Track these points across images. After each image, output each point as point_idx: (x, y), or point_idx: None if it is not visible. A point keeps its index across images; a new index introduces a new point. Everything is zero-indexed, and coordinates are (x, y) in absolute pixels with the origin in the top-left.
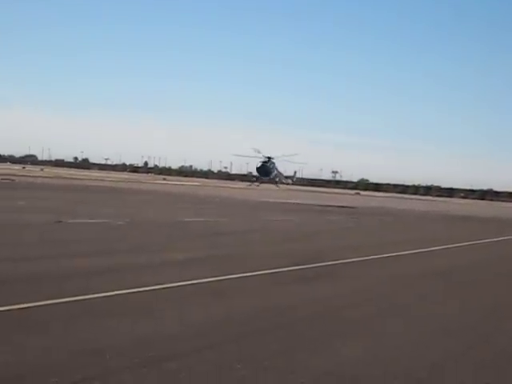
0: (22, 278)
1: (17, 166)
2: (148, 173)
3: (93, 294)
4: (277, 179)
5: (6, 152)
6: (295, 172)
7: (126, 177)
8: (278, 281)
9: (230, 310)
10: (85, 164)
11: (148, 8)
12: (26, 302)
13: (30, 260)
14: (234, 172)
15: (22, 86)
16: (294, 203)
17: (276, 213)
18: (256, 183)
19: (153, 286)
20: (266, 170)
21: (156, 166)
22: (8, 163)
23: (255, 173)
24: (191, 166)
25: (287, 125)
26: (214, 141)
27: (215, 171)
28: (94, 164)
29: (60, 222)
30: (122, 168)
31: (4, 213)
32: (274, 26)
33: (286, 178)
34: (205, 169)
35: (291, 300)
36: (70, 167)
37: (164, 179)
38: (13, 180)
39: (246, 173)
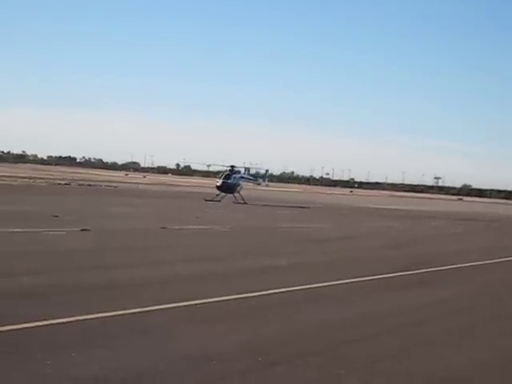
0: (131, 283)
1: (120, 173)
2: None
3: (198, 299)
4: (238, 189)
5: (109, 159)
6: (266, 170)
7: None
8: (383, 287)
9: (332, 316)
10: (187, 171)
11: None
12: (139, 307)
13: (135, 266)
14: (335, 178)
15: (126, 98)
16: (395, 209)
17: (378, 218)
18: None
19: (257, 292)
20: (228, 187)
21: (257, 172)
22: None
23: (357, 179)
24: (293, 173)
25: (389, 131)
26: (316, 147)
27: (317, 177)
28: (197, 171)
29: (164, 228)
30: None
31: (110, 219)
32: None
33: (254, 177)
34: (306, 175)
35: (395, 305)
36: (173, 174)
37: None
38: (115, 187)
39: (348, 179)
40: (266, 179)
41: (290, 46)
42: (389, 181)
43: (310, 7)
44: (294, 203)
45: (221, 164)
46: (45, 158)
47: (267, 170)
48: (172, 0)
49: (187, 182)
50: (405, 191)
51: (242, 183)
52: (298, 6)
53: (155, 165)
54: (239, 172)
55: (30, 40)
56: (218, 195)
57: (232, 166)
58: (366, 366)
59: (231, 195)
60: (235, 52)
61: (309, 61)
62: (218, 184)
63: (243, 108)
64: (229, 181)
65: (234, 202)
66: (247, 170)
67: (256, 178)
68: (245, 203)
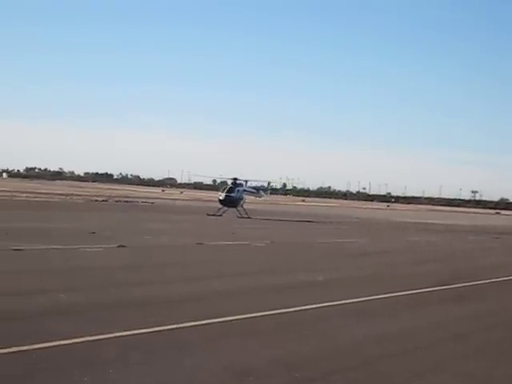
0: (168, 299)
1: (157, 189)
2: (286, 194)
3: (234, 315)
4: (241, 202)
5: (146, 175)
6: (269, 183)
7: (265, 198)
8: (420, 301)
9: (369, 331)
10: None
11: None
12: (176, 323)
13: (171, 282)
14: (372, 192)
15: (164, 113)
16: (432, 223)
17: (415, 233)
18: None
19: (292, 307)
20: (231, 201)
21: (294, 187)
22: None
23: (394, 193)
24: (329, 187)
25: (426, 145)
26: (353, 161)
27: (354, 192)
28: None
29: (201, 244)
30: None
31: (147, 235)
32: None
33: (257, 189)
34: (343, 190)
35: (433, 320)
36: (209, 189)
37: (303, 200)
38: (152, 203)
39: (384, 193)
40: (268, 192)
41: (326, 59)
42: (426, 195)
43: None
44: (331, 218)
45: (255, 179)
46: (82, 174)
47: (269, 183)
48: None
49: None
50: (442, 205)
51: (245, 197)
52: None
53: (192, 181)
54: (242, 185)
55: (65, 52)
56: (220, 209)
57: (235, 179)
58: (406, 381)
59: (234, 209)
60: (271, 65)
61: (346, 76)
62: (221, 198)
63: (280, 122)
64: (232, 194)
65: (238, 217)
66: (246, 182)
67: (258, 190)
68: (248, 217)
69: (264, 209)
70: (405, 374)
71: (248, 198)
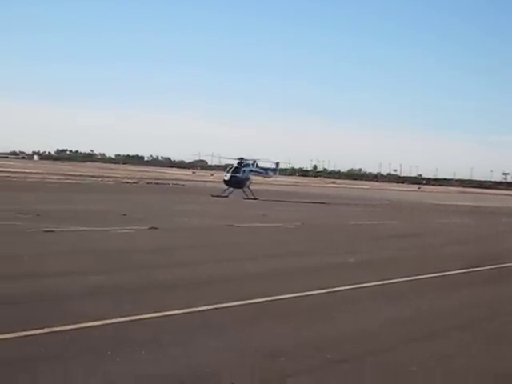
0: (199, 281)
1: (187, 172)
2: (317, 176)
3: (266, 296)
4: (248, 183)
5: (176, 157)
6: (277, 163)
7: (297, 180)
8: (452, 283)
9: (401, 313)
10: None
11: None
12: (206, 305)
13: (203, 264)
14: (403, 174)
15: (194, 95)
16: (463, 205)
17: (446, 215)
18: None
19: (325, 289)
20: (237, 182)
21: (325, 169)
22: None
23: (424, 175)
24: (360, 169)
25: (457, 127)
26: (384, 143)
27: (384, 174)
28: (264, 168)
29: (231, 225)
30: (291, 172)
31: (178, 217)
32: None
33: (266, 170)
34: (374, 172)
35: (465, 301)
36: None
37: (333, 182)
38: (183, 185)
39: (415, 175)
40: (277, 172)
41: (352, 46)
42: (457, 177)
43: None
44: (362, 200)
45: (287, 162)
46: (112, 156)
47: (278, 163)
48: None
49: (254, 180)
50: (473, 187)
51: (252, 177)
52: None
53: (222, 163)
54: (248, 165)
55: (116, 30)
56: (225, 190)
57: (241, 159)
58: (438, 362)
59: (240, 190)
60: (303, 49)
61: (370, 62)
62: (226, 178)
63: (306, 104)
64: (238, 175)
65: (245, 198)
66: (255, 162)
67: (266, 170)
68: (255, 199)
69: (294, 191)
70: (436, 355)
71: (274, 179)
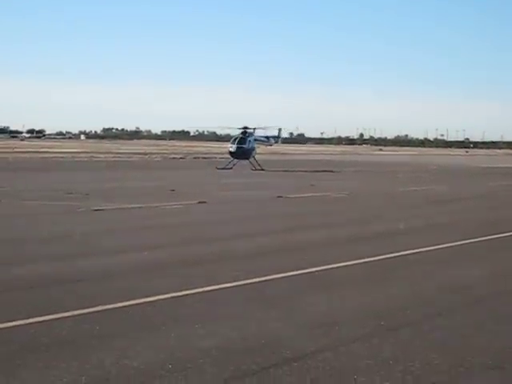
0: (250, 252)
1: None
2: (363, 144)
3: (318, 266)
4: (253, 153)
5: (222, 132)
6: (279, 130)
7: (343, 149)
8: (496, 247)
9: (454, 277)
10: (301, 139)
11: None
12: (258, 277)
13: (253, 236)
14: (450, 139)
15: (241, 70)
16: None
17: (494, 178)
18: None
19: (376, 256)
20: (243, 153)
21: (371, 137)
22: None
23: (472, 139)
24: (407, 136)
25: (504, 89)
26: (430, 109)
27: (431, 139)
28: (310, 138)
29: (280, 197)
30: (338, 141)
31: (226, 191)
32: None
33: (267, 138)
34: (420, 137)
35: None
36: (286, 143)
37: (380, 150)
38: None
39: (462, 139)
40: (280, 139)
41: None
42: (504, 139)
43: None
44: (409, 166)
45: (264, 127)
46: (158, 133)
47: (280, 129)
48: None
49: (300, 151)
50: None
51: (256, 147)
52: None
53: (268, 134)
54: (252, 135)
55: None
56: (230, 162)
57: (245, 128)
58: (494, 325)
59: (245, 162)
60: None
61: (420, 22)
62: (232, 150)
63: (350, 72)
64: (244, 146)
65: (252, 170)
66: (253, 130)
67: (268, 138)
68: (262, 169)
69: (343, 159)
70: (493, 319)
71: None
